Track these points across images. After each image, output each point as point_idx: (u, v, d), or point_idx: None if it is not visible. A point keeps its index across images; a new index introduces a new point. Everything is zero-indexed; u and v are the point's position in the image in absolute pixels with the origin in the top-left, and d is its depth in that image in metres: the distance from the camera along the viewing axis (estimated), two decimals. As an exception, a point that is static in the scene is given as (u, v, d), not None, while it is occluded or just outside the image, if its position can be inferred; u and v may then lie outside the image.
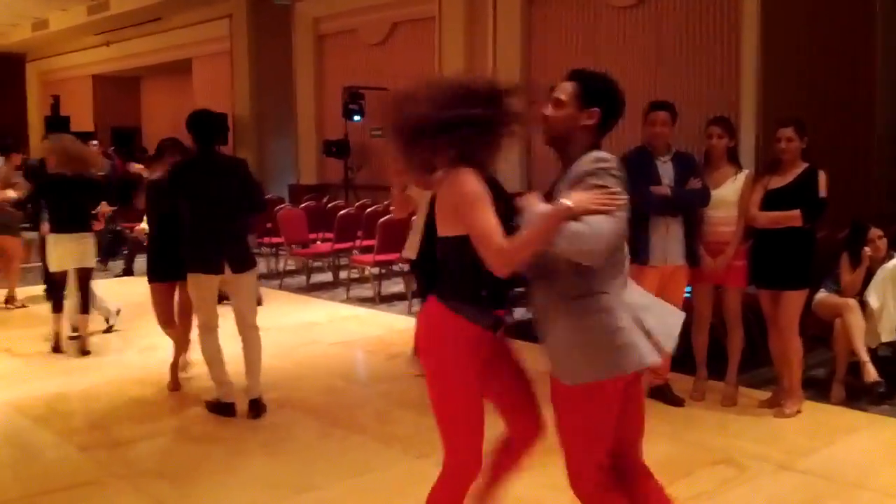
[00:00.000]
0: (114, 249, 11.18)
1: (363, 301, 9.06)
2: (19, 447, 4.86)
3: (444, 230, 2.79)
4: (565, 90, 2.79)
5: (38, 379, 6.10)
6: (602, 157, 2.65)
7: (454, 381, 2.83)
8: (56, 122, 18.49)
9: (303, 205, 11.50)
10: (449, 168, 2.73)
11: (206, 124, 5.18)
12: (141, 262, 10.05)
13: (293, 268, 11.00)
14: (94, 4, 16.97)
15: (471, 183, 2.66)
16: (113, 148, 16.48)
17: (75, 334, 6.97)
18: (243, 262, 5.13)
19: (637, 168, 5.17)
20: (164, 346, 5.58)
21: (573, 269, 2.60)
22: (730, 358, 5.41)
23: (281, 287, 9.90)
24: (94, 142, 12.30)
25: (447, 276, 2.82)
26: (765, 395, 5.42)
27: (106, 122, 19.79)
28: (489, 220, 2.61)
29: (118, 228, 10.88)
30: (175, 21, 16.99)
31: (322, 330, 7.72)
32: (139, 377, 5.98)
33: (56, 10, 17.90)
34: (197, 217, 5.04)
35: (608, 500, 2.90)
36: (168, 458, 4.62)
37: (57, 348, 6.73)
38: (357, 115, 13.00)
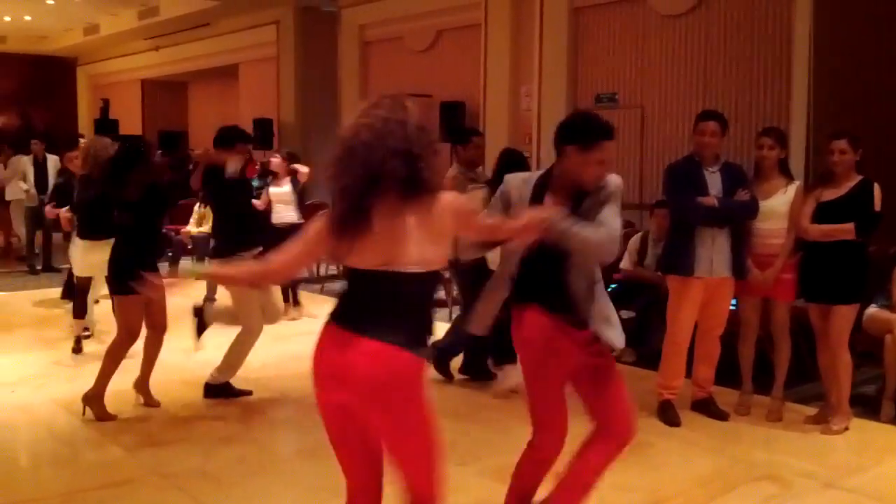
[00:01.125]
0: (160, 251, 11.32)
1: (404, 307, 9.06)
2: (65, 443, 4.93)
3: (432, 264, 2.57)
4: None
5: (84, 377, 6.16)
6: (619, 183, 3.22)
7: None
8: (105, 126, 18.81)
9: (345, 210, 11.54)
10: (429, 197, 2.53)
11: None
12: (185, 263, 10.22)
13: (335, 272, 11.05)
14: (144, 10, 17.23)
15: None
16: (160, 151, 16.72)
17: (87, 333, 7.13)
18: None
19: (684, 178, 5.13)
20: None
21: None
22: (776, 372, 5.33)
23: (322, 291, 9.95)
24: None
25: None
26: (812, 410, 5.33)
27: (154, 126, 20.07)
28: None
29: (163, 230, 11.02)
30: (223, 27, 17.19)
31: (363, 335, 7.73)
32: (182, 378, 6.04)
33: (107, 14, 18.21)
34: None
35: None
36: (209, 458, 4.64)
37: (78, 350, 6.88)
38: (401, 121, 13.04)
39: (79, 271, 7.01)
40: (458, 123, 12.12)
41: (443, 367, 6.02)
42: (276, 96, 16.20)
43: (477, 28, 12.06)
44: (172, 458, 4.63)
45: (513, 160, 5.74)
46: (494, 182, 5.64)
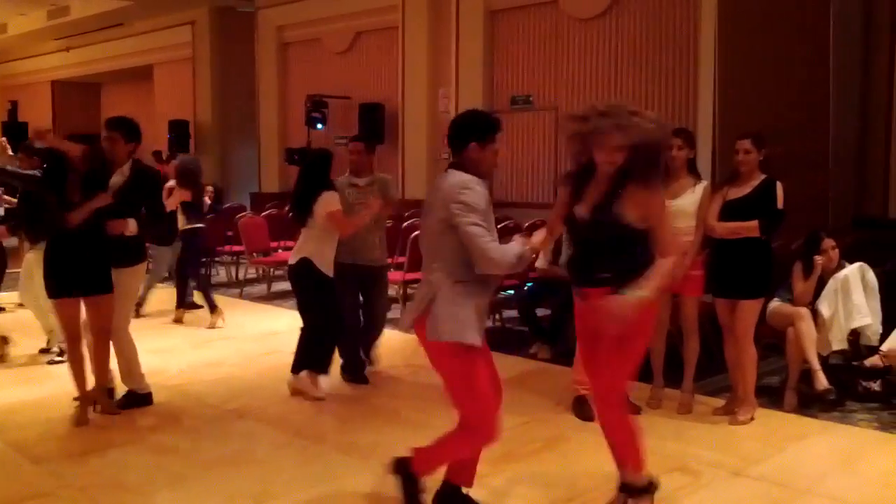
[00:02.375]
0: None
1: (325, 310, 9.02)
2: (-28, 458, 4.77)
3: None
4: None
5: (-8, 389, 6.02)
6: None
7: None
8: (13, 128, 18.24)
9: (264, 213, 11.45)
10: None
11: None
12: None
13: (254, 276, 10.96)
14: (53, 9, 16.78)
15: None
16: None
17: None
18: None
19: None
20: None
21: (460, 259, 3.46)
22: (685, 366, 5.49)
23: (241, 296, 9.85)
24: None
25: None
26: (720, 402, 5.50)
27: (65, 128, 19.52)
28: None
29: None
30: (137, 27, 16.86)
31: (283, 339, 7.66)
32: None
33: (15, 14, 17.67)
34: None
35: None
36: (126, 468, 4.55)
37: None
38: (320, 123, 13.00)
39: None
40: (377, 125, 12.16)
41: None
42: (192, 98, 15.97)
43: (395, 30, 12.11)
44: (86, 470, 4.52)
45: (322, 162, 5.85)
46: (305, 182, 5.78)
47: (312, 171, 5.79)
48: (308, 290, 5.75)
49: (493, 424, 3.59)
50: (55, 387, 5.94)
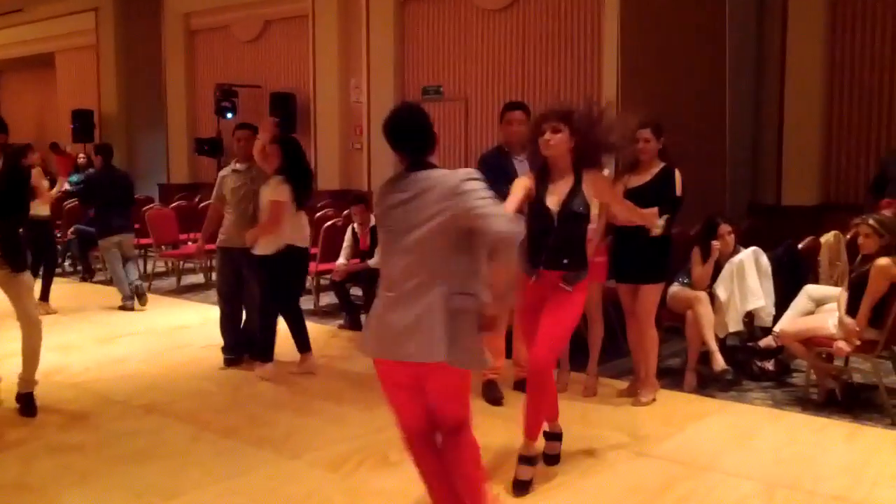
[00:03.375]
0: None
1: (237, 302, 8.93)
2: None
3: None
4: None
5: None
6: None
7: None
8: None
9: (173, 204, 11.24)
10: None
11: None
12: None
13: (163, 269, 10.76)
14: (-53, -7, 16.08)
15: None
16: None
17: None
18: None
19: (495, 167, 5.34)
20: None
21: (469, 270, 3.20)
22: (591, 350, 5.64)
23: (150, 290, 9.66)
24: None
25: None
26: (623, 384, 5.67)
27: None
28: None
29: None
30: (37, 13, 16.27)
31: (193, 333, 7.60)
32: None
33: None
34: None
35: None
36: (28, 469, 4.44)
37: None
38: (230, 112, 12.81)
39: None
40: (289, 114, 12.06)
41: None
42: (96, 86, 15.54)
43: (305, 19, 12.02)
44: (-13, 472, 4.41)
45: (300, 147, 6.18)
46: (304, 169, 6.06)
47: (302, 157, 6.10)
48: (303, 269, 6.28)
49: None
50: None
